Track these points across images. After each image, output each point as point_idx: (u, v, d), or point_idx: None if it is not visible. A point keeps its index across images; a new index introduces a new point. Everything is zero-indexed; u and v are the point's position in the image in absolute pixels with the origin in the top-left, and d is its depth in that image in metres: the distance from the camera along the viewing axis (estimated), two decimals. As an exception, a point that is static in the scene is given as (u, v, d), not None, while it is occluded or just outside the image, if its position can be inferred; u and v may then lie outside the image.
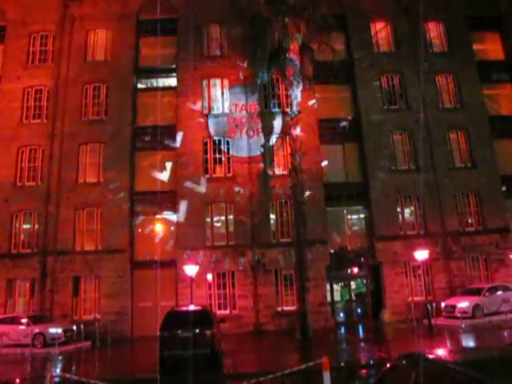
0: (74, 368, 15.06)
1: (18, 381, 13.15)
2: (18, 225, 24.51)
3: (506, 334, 17.11)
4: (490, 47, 28.72)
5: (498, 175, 25.58)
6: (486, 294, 20.98)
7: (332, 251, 24.17)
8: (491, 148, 25.87)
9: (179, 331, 13.59)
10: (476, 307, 20.29)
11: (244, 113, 25.55)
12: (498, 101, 27.34)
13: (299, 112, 20.97)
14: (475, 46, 27.89)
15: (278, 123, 25.27)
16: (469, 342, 15.96)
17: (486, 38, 28.81)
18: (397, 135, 26.00)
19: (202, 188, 24.16)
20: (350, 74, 26.62)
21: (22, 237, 24.56)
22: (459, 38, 27.68)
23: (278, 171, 24.83)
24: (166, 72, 26.95)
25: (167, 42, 27.11)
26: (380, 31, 27.75)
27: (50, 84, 26.07)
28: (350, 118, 26.32)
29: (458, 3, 27.85)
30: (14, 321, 20.16)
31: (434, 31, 28.21)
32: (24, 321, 19.91)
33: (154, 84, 27.27)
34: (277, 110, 25.82)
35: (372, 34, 27.55)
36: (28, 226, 24.76)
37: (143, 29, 27.00)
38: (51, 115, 25.59)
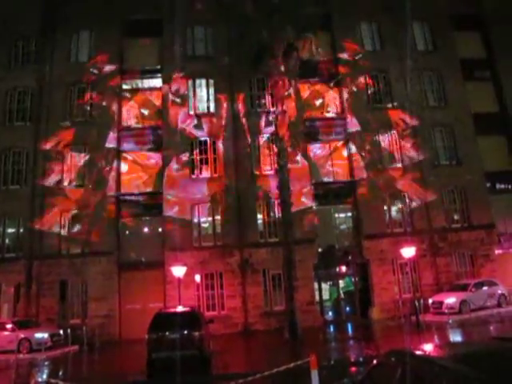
0: (60, 373, 14.85)
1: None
2: (2, 229, 24.17)
3: (492, 328, 17.32)
4: (473, 45, 28.91)
5: (483, 172, 25.83)
6: (473, 289, 21.21)
7: (320, 250, 24.22)
8: (475, 145, 26.14)
9: (167, 333, 13.47)
10: (463, 303, 20.51)
11: (230, 113, 25.49)
12: (481, 98, 27.55)
13: (285, 111, 20.98)
14: (458, 45, 28.08)
15: (264, 123, 25.23)
16: (456, 337, 16.08)
17: (469, 37, 28.97)
18: (383, 134, 26.11)
19: (188, 188, 24.06)
20: (335, 73, 26.67)
21: (6, 241, 24.26)
22: (443, 37, 27.96)
23: (265, 171, 24.81)
24: (152, 73, 26.77)
25: (152, 43, 26.93)
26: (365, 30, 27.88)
27: (33, 86, 25.74)
28: (336, 116, 26.40)
29: (441, 2, 28.05)
30: (-1, 326, 19.86)
31: (418, 30, 28.38)
32: (9, 326, 19.46)
33: (140, 85, 27.06)
34: (263, 109, 25.80)
35: (357, 32, 27.63)
36: (12, 230, 24.43)
37: (128, 29, 26.73)
38: (35, 117, 25.27)
